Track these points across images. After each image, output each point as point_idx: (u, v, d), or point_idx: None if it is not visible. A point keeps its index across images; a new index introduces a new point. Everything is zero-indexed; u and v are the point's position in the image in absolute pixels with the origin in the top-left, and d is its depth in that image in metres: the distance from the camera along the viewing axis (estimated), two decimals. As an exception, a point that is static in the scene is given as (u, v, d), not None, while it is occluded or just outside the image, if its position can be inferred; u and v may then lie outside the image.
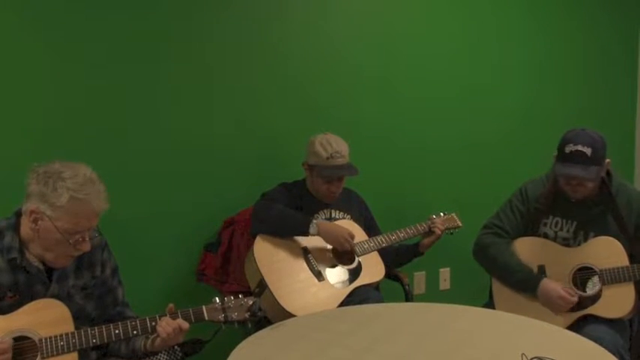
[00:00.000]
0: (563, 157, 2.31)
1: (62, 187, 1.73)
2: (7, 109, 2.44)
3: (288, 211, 2.51)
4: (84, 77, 2.57)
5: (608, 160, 2.33)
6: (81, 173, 1.77)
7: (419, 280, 3.46)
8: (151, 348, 1.88)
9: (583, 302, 2.31)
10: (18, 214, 1.82)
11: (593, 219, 2.37)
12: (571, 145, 2.28)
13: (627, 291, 2.27)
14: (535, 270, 2.40)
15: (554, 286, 2.32)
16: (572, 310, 2.31)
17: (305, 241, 2.50)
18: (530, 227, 2.49)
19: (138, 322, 1.83)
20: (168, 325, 1.81)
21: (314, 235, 2.45)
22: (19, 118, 2.46)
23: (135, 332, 1.81)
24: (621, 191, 2.37)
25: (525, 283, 2.38)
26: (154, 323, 1.83)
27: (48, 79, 2.51)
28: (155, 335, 1.84)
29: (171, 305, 1.87)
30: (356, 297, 2.42)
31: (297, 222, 2.47)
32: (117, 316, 1.97)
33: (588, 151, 2.25)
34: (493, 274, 2.51)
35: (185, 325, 1.83)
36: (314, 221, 2.46)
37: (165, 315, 1.85)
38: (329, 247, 2.52)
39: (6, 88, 2.43)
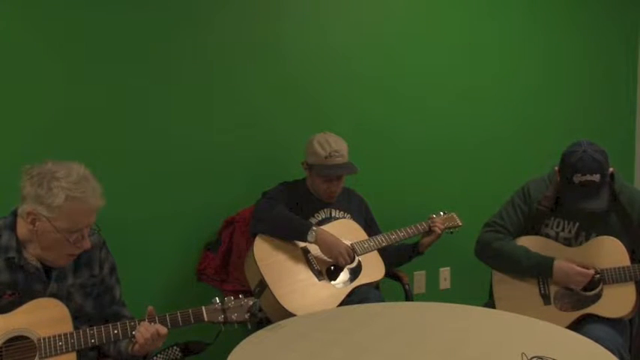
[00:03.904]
0: (572, 187, 2.28)
1: (57, 187, 1.72)
2: (6, 109, 2.44)
3: (290, 214, 2.49)
4: (83, 78, 2.56)
5: (611, 170, 2.33)
6: (74, 171, 1.76)
7: (419, 280, 3.45)
8: (132, 352, 1.84)
9: (583, 301, 2.31)
10: (15, 213, 1.82)
11: (595, 220, 2.36)
12: (579, 175, 2.25)
13: (628, 291, 2.27)
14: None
15: (569, 264, 2.32)
16: (573, 309, 2.31)
17: (305, 241, 2.50)
18: (531, 228, 2.49)
19: (128, 324, 1.81)
20: (146, 331, 1.78)
21: (312, 242, 2.44)
22: (18, 118, 2.46)
23: (133, 333, 1.80)
24: (624, 191, 2.36)
25: (539, 267, 2.37)
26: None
27: (47, 79, 2.50)
28: (135, 341, 1.81)
29: (150, 308, 1.84)
30: (356, 296, 2.41)
31: (296, 227, 2.46)
32: (113, 316, 1.97)
33: (597, 177, 2.24)
34: (500, 267, 2.49)
35: (163, 330, 1.80)
36: (313, 228, 2.44)
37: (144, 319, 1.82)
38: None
39: (5, 88, 2.43)
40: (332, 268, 2.49)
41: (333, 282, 2.45)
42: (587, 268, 2.32)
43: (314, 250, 2.49)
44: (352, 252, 2.48)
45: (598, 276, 2.30)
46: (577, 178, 2.26)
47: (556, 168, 2.40)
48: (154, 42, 2.69)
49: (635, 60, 4.04)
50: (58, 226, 1.73)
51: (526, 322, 2.03)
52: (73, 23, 2.53)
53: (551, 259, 2.35)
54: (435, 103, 3.40)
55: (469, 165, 3.53)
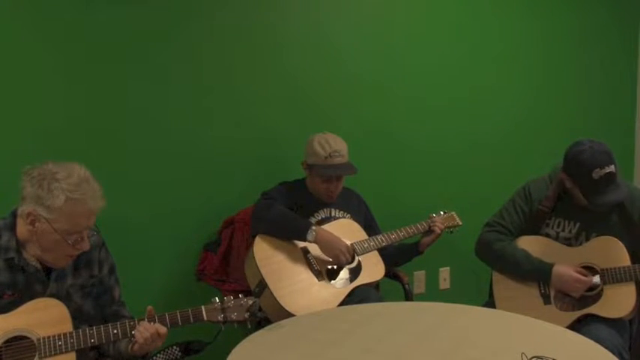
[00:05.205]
0: (595, 183, 2.23)
1: (57, 188, 1.72)
2: (6, 109, 2.44)
3: (289, 213, 2.49)
4: (83, 78, 2.56)
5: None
6: (75, 173, 1.76)
7: (419, 280, 3.45)
8: (131, 352, 1.84)
9: (584, 301, 2.31)
10: (14, 214, 1.82)
11: (596, 220, 2.36)
12: (598, 169, 2.22)
13: (628, 291, 2.26)
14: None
15: (567, 270, 2.31)
16: (574, 308, 2.31)
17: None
18: (532, 228, 2.49)
19: (127, 324, 1.81)
20: (145, 330, 1.78)
21: (311, 242, 2.43)
22: (19, 118, 2.46)
23: (133, 332, 1.80)
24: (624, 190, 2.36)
25: (537, 273, 2.37)
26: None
27: (48, 80, 2.50)
28: (135, 340, 1.81)
29: (150, 308, 1.84)
30: (356, 296, 2.41)
31: (295, 227, 2.45)
32: (112, 316, 1.97)
33: (613, 167, 2.23)
34: (499, 268, 2.49)
35: (163, 329, 1.81)
36: (313, 228, 2.43)
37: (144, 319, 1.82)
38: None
39: (5, 89, 2.43)
40: (332, 267, 2.48)
41: (332, 282, 2.45)
42: (587, 270, 2.32)
43: (314, 250, 2.49)
44: (352, 250, 2.48)
45: (596, 281, 2.29)
46: (596, 174, 2.23)
47: (562, 174, 2.35)
48: (153, 42, 2.68)
49: (635, 60, 4.04)
50: (57, 228, 1.73)
51: (526, 322, 2.03)
52: (73, 23, 2.53)
53: (550, 265, 2.35)
54: (435, 103, 3.40)
55: (469, 165, 3.53)
